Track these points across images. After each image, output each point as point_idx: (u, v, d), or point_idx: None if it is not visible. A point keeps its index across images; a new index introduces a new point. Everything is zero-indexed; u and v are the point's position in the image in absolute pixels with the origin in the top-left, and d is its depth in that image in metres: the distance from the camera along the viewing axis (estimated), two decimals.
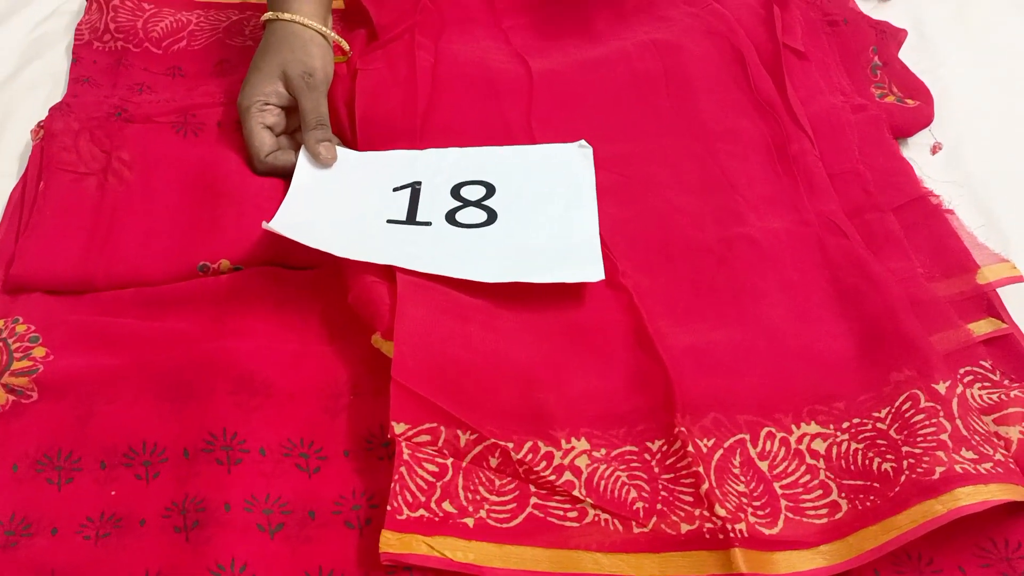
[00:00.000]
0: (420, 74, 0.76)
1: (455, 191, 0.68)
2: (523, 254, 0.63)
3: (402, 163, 0.70)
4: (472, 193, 0.68)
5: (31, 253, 0.65)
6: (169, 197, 0.69)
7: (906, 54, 0.83)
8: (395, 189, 0.68)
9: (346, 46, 0.77)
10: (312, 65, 0.71)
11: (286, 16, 0.73)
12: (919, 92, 0.79)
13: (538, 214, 0.67)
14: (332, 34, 0.75)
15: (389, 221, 0.66)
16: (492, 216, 0.66)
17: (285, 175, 0.69)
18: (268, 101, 0.70)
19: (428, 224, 0.65)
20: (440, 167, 0.70)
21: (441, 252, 0.63)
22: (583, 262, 0.63)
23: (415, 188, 0.68)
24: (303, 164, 0.69)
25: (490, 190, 0.68)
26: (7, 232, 0.68)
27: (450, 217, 0.66)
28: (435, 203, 0.67)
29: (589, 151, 0.71)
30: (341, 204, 0.67)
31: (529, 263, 0.63)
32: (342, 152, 0.71)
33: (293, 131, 0.72)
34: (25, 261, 0.65)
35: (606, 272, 0.63)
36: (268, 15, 0.74)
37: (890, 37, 0.84)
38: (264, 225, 0.61)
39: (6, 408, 0.58)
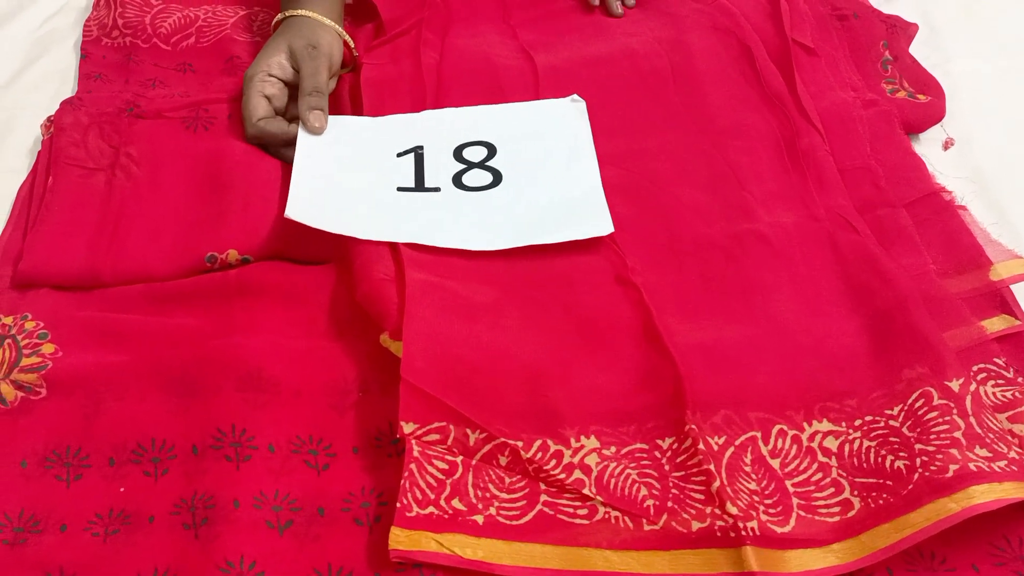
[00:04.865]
0: (426, 72, 0.75)
1: (457, 153, 0.70)
2: (532, 215, 0.65)
3: (401, 127, 0.72)
4: (474, 155, 0.69)
5: (39, 249, 0.65)
6: (177, 192, 0.69)
7: (916, 49, 0.83)
8: (399, 154, 0.69)
9: (351, 43, 0.77)
10: (317, 40, 0.72)
11: (299, 12, 0.73)
12: (930, 87, 0.78)
13: (541, 173, 0.68)
14: (344, 34, 0.75)
15: (400, 189, 0.67)
16: (497, 177, 0.68)
17: (273, 143, 0.70)
18: (271, 72, 0.71)
19: (437, 190, 0.67)
20: (439, 129, 0.71)
21: (453, 221, 0.65)
22: (591, 218, 0.64)
23: (418, 153, 0.69)
24: (303, 138, 0.69)
25: (491, 151, 0.70)
26: (15, 228, 0.68)
27: (457, 181, 0.68)
28: (440, 167, 0.69)
29: (582, 104, 0.73)
30: (348, 175, 0.68)
31: (538, 225, 0.64)
32: (339, 120, 0.71)
33: (292, 117, 0.72)
34: (33, 257, 0.64)
35: (615, 269, 0.63)
36: (279, 16, 0.74)
37: (900, 31, 0.83)
38: (287, 214, 0.63)
39: (15, 404, 0.58)
